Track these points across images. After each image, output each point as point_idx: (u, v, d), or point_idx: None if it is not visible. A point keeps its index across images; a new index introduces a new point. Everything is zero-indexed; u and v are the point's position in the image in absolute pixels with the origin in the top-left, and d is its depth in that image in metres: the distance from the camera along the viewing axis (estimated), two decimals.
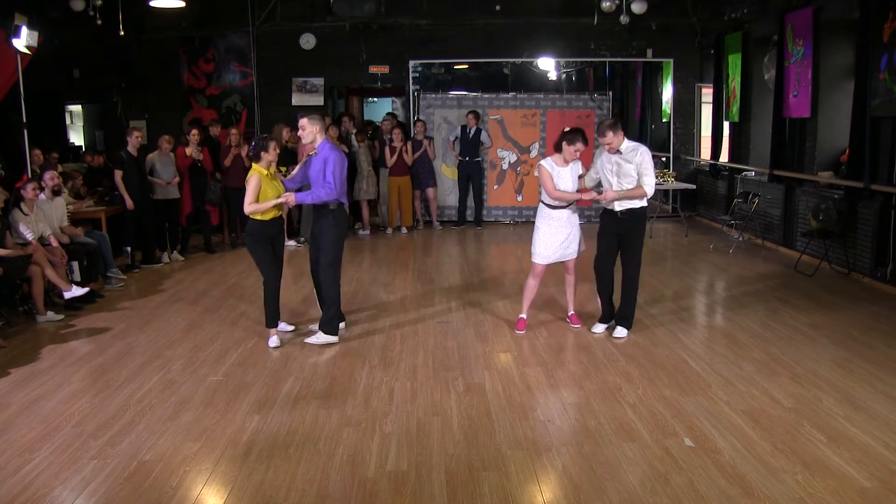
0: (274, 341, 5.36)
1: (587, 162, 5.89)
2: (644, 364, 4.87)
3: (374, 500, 3.23)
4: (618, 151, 5.28)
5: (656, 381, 4.56)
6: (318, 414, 4.13)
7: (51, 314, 6.08)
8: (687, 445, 3.66)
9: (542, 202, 5.49)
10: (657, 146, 12.95)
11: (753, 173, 9.77)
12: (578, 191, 5.46)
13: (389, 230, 10.49)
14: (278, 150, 5.35)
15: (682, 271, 7.77)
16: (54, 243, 6.43)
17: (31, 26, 7.36)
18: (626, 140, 5.27)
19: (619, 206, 5.34)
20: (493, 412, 4.12)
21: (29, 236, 6.20)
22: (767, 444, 3.64)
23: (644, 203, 5.36)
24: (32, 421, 4.10)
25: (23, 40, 7.28)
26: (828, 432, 3.77)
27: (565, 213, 5.45)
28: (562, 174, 5.35)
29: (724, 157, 10.73)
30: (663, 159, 12.05)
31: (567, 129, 5.39)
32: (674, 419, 3.98)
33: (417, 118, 10.74)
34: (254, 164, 5.27)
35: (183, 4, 9.11)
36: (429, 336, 5.58)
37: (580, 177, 5.49)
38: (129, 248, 8.01)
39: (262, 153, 5.21)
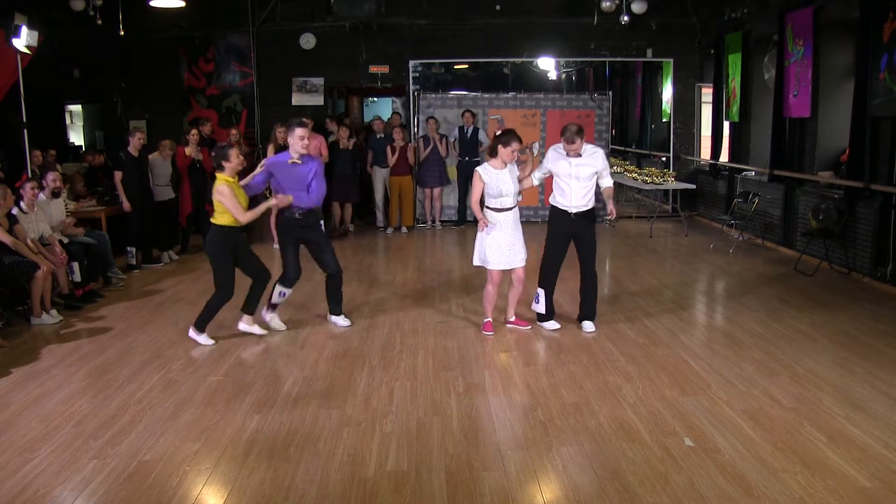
0: (204, 339, 5.44)
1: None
2: (644, 364, 4.87)
3: (374, 499, 3.23)
4: (578, 154, 5.35)
5: (656, 380, 4.56)
6: (318, 414, 4.13)
7: (46, 317, 6.04)
8: (687, 445, 3.66)
9: (487, 207, 5.40)
10: (657, 146, 12.98)
11: (753, 173, 9.77)
12: (595, 208, 5.47)
13: (390, 230, 10.49)
14: (241, 157, 5.38)
15: (681, 271, 7.76)
16: (54, 244, 6.43)
17: (31, 26, 7.36)
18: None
19: (574, 209, 5.40)
20: (493, 412, 4.12)
21: (29, 235, 6.20)
22: (767, 444, 3.64)
23: (593, 202, 5.51)
24: (32, 421, 4.10)
25: (23, 40, 7.28)
26: (828, 432, 3.77)
27: (510, 216, 5.38)
28: (501, 177, 5.31)
29: (724, 157, 10.73)
30: (663, 159, 12.06)
31: (498, 132, 5.44)
32: (674, 419, 3.98)
33: (429, 116, 10.72)
34: (218, 175, 5.30)
35: (183, 4, 9.10)
36: (429, 336, 5.58)
37: (520, 179, 5.45)
38: (132, 249, 8.00)
39: (225, 163, 5.25)
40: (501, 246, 5.38)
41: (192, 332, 5.50)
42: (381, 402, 4.30)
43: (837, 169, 8.03)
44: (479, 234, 5.47)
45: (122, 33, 9.98)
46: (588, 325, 5.61)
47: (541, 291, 5.61)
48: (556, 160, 5.45)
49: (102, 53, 10.81)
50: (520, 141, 5.33)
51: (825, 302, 6.34)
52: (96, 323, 6.09)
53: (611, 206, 5.47)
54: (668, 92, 11.98)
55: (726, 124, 10.68)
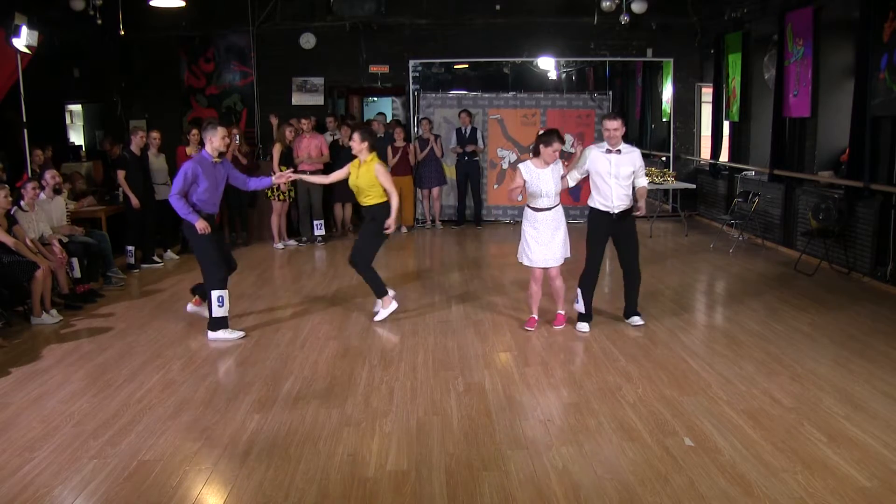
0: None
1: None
2: (644, 364, 4.87)
3: (374, 499, 3.23)
4: (617, 151, 5.34)
5: (656, 380, 4.56)
6: (318, 414, 4.13)
7: (46, 317, 6.03)
8: (687, 445, 3.66)
9: (527, 206, 5.47)
10: (657, 146, 12.97)
11: (753, 173, 9.77)
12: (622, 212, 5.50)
13: None
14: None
15: (682, 271, 7.76)
16: (55, 243, 6.43)
17: (31, 26, 7.36)
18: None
19: (616, 209, 5.42)
20: (493, 412, 4.12)
21: (30, 234, 6.20)
22: (767, 444, 3.64)
23: (631, 201, 5.53)
24: (32, 420, 4.10)
25: (23, 40, 7.28)
26: (828, 432, 3.77)
27: (549, 216, 5.41)
28: (542, 176, 5.33)
29: (724, 157, 10.73)
30: (663, 159, 12.06)
31: (540, 131, 5.46)
32: (674, 419, 3.98)
33: (423, 117, 10.72)
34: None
35: (183, 4, 9.10)
36: (429, 335, 5.58)
37: (562, 177, 5.47)
38: (131, 248, 8.00)
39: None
40: (539, 244, 5.41)
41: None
42: (381, 402, 4.30)
43: (837, 169, 8.02)
44: (523, 232, 5.52)
45: (122, 33, 9.97)
46: (636, 319, 5.70)
47: (579, 291, 5.63)
48: (596, 159, 5.47)
49: (102, 53, 10.81)
50: (562, 141, 5.34)
51: (825, 302, 6.34)
52: (96, 323, 6.09)
53: (641, 204, 5.53)
54: (668, 92, 11.98)
55: (726, 124, 10.68)
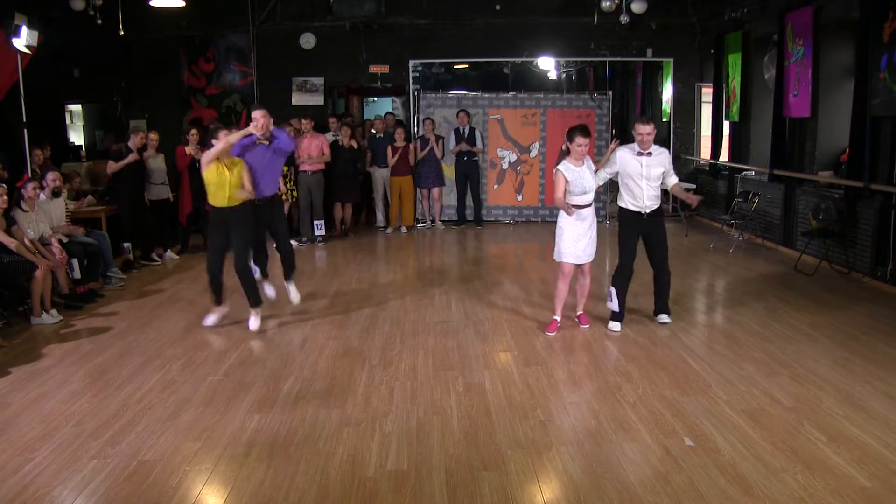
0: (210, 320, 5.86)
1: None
2: (644, 364, 4.87)
3: (374, 499, 3.23)
4: (648, 153, 5.42)
5: (656, 380, 4.56)
6: (318, 414, 4.13)
7: (46, 317, 6.04)
8: (687, 445, 3.66)
9: (566, 203, 5.42)
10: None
11: (753, 173, 9.77)
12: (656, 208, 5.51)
13: (390, 230, 10.49)
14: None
15: (682, 271, 7.75)
16: (55, 243, 6.43)
17: (31, 26, 7.35)
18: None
19: (647, 209, 5.49)
20: (493, 412, 4.12)
21: (30, 234, 6.20)
22: (767, 444, 3.64)
23: (661, 201, 5.60)
24: (32, 420, 4.10)
25: (23, 40, 7.28)
26: (828, 432, 3.77)
27: (589, 212, 5.43)
28: (582, 174, 5.33)
29: (724, 157, 10.73)
30: None
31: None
32: (674, 419, 3.98)
33: (426, 117, 10.71)
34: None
35: (183, 4, 9.09)
36: (429, 336, 5.58)
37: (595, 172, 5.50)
38: (128, 245, 8.00)
39: (214, 141, 5.56)
40: (577, 240, 5.40)
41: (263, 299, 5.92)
42: (381, 402, 4.30)
43: (837, 169, 8.02)
44: (559, 228, 5.46)
45: (122, 33, 9.97)
46: (664, 317, 5.75)
47: (613, 290, 5.63)
48: (626, 161, 5.48)
49: (102, 53, 10.81)
50: (584, 134, 5.26)
51: (825, 302, 6.34)
52: (96, 323, 6.09)
53: (689, 196, 5.67)
54: (668, 92, 11.98)
55: (726, 124, 10.68)
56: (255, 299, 5.78)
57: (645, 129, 5.40)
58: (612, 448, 3.65)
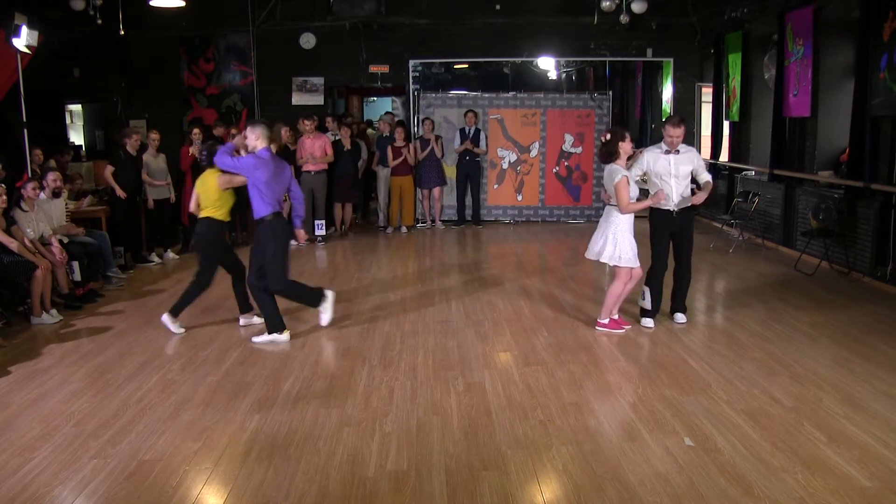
0: (176, 328, 5.72)
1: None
2: (644, 364, 4.87)
3: (374, 499, 3.23)
4: (676, 151, 5.46)
5: (656, 380, 4.56)
6: (318, 414, 4.13)
7: (46, 317, 6.03)
8: (687, 445, 3.66)
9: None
10: None
11: (753, 173, 9.77)
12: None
13: (390, 230, 10.49)
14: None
15: None
16: (55, 243, 6.43)
17: (31, 26, 7.35)
18: None
19: (676, 207, 5.54)
20: (493, 412, 4.12)
21: (29, 234, 6.20)
22: (767, 444, 3.64)
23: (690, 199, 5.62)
24: (32, 420, 4.10)
25: (23, 40, 7.28)
26: (828, 432, 3.77)
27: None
28: (632, 176, 5.34)
29: (724, 157, 10.73)
30: None
31: (604, 139, 5.36)
32: (674, 419, 3.98)
33: (425, 117, 10.72)
34: (210, 171, 5.55)
35: (183, 4, 9.10)
36: (429, 336, 5.58)
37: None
38: (119, 249, 7.99)
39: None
40: (634, 244, 5.38)
41: (165, 318, 5.67)
42: (381, 402, 4.30)
43: (837, 168, 8.02)
44: (617, 233, 5.31)
45: (122, 33, 9.97)
46: (680, 317, 5.78)
47: (647, 289, 5.66)
48: (655, 161, 5.51)
49: (102, 53, 10.82)
50: (621, 137, 5.23)
51: (825, 302, 6.34)
52: (96, 323, 6.09)
53: (703, 196, 5.67)
54: (668, 92, 11.97)
55: (726, 124, 10.68)
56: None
57: (676, 132, 5.41)
58: (612, 448, 3.65)
